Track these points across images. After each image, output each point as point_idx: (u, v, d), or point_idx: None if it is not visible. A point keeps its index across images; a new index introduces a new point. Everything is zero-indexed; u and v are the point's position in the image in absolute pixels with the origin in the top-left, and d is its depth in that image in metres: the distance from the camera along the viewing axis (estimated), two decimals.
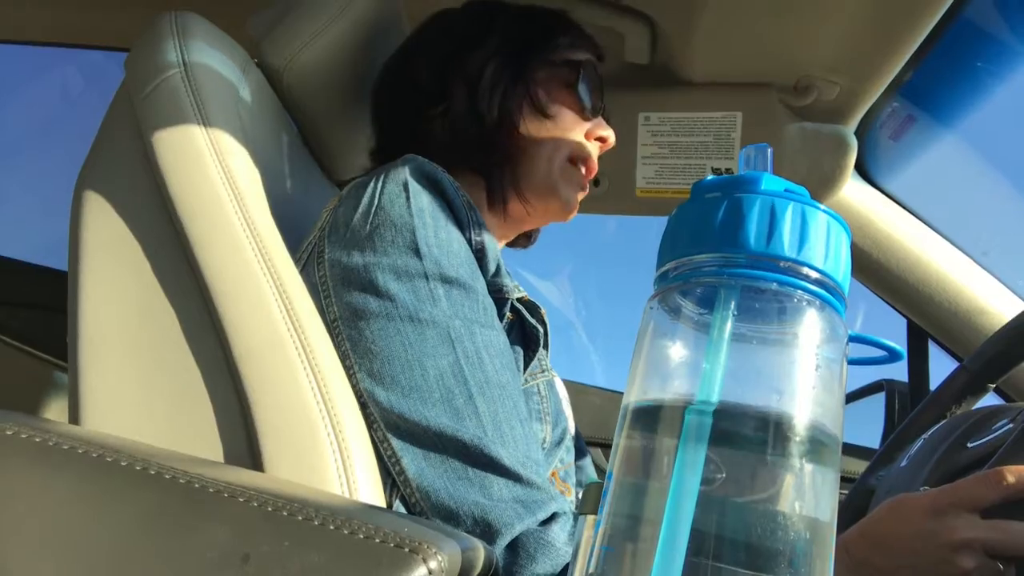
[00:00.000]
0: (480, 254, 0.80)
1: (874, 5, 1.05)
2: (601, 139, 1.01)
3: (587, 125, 1.00)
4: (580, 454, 1.05)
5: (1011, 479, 0.64)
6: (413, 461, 0.70)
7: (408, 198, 0.76)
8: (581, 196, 1.01)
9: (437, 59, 0.97)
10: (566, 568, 0.68)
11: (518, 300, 0.86)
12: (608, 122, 1.03)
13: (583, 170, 1.00)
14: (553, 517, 0.71)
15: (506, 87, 0.95)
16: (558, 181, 0.97)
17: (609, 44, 1.23)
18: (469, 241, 0.79)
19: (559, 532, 0.70)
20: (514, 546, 0.68)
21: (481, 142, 0.94)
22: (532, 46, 0.98)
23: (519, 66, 0.96)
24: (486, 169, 0.96)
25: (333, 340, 0.74)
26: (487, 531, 0.68)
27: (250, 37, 0.95)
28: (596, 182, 1.41)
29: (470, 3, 1.03)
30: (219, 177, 0.72)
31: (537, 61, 0.97)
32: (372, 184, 0.79)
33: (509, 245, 1.09)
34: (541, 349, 0.88)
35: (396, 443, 0.71)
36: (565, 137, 0.97)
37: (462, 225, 0.79)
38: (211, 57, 0.80)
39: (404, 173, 0.78)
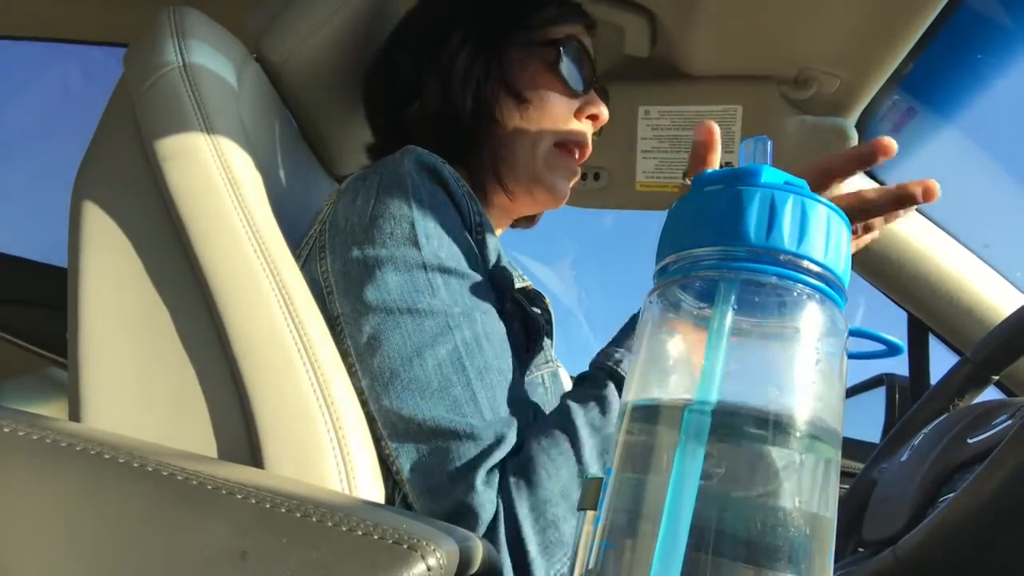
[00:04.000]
0: (481, 244, 0.80)
1: None
2: (593, 117, 0.97)
3: (576, 103, 0.96)
4: None
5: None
6: (409, 458, 0.70)
7: (407, 190, 0.76)
8: (572, 182, 0.98)
9: (411, 52, 0.95)
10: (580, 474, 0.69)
11: (520, 290, 0.85)
12: (604, 100, 0.99)
13: (576, 154, 0.97)
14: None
15: (479, 76, 0.92)
16: (542, 170, 0.94)
17: (608, 37, 1.23)
18: (470, 231, 0.79)
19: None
20: (525, 472, 0.69)
21: (459, 135, 0.92)
22: (504, 28, 0.94)
23: (492, 51, 0.93)
24: (466, 161, 0.93)
25: (335, 336, 0.74)
26: (483, 526, 0.67)
27: (249, 32, 0.95)
28: (596, 176, 1.40)
29: None
30: (218, 173, 0.72)
31: (511, 44, 0.94)
32: (372, 176, 0.79)
33: (511, 226, 1.08)
34: (545, 339, 0.87)
35: (393, 441, 0.71)
36: (550, 121, 0.94)
37: (463, 215, 0.79)
38: (210, 52, 0.80)
39: (404, 165, 0.78)
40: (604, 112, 0.98)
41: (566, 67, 0.94)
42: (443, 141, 0.90)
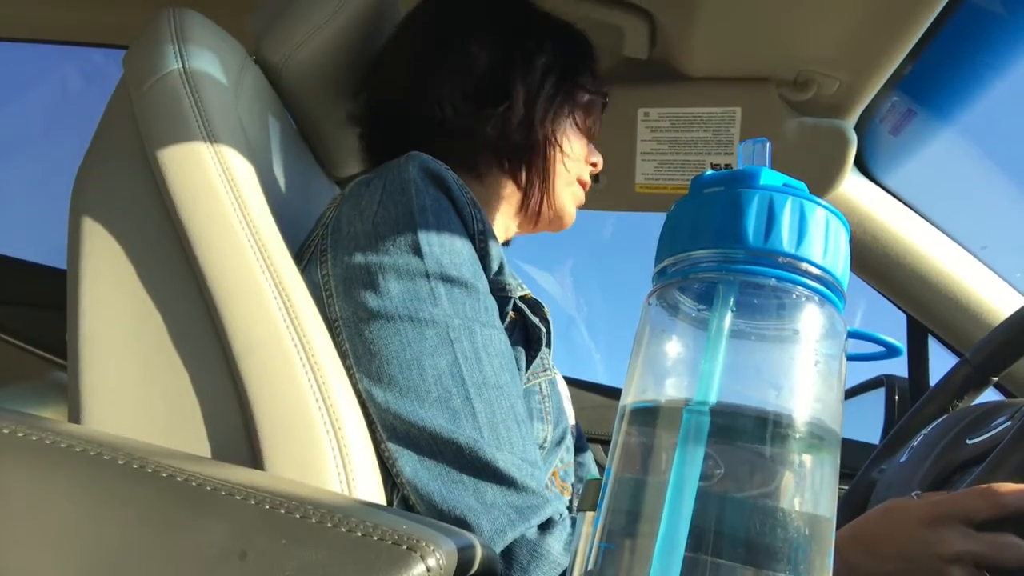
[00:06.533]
0: (483, 252, 0.80)
1: None
2: (594, 164, 1.05)
3: (589, 149, 1.04)
4: (581, 450, 1.05)
5: (1009, 496, 0.65)
6: (408, 463, 0.70)
7: (411, 196, 0.76)
8: None
9: (497, 52, 0.96)
10: None
11: (521, 298, 0.85)
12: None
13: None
14: (548, 524, 0.70)
15: (559, 105, 0.97)
16: (569, 200, 1.02)
17: (608, 39, 1.23)
18: (472, 239, 0.79)
19: (554, 542, 0.69)
20: (507, 557, 0.68)
21: (528, 152, 0.95)
22: (578, 67, 1.00)
23: (570, 86, 0.98)
24: (523, 178, 0.97)
25: (334, 339, 0.74)
26: (478, 537, 0.68)
27: (249, 34, 0.95)
28: (595, 178, 1.41)
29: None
30: (218, 175, 0.72)
31: (581, 84, 1.00)
32: (376, 182, 0.79)
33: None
34: (544, 348, 0.87)
35: (392, 444, 0.71)
36: (581, 160, 1.02)
37: (466, 223, 0.79)
38: (209, 54, 0.80)
39: (408, 171, 0.78)
40: (601, 162, 1.06)
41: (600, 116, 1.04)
42: (509, 152, 0.95)
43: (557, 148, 0.97)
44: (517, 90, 0.94)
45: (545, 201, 0.98)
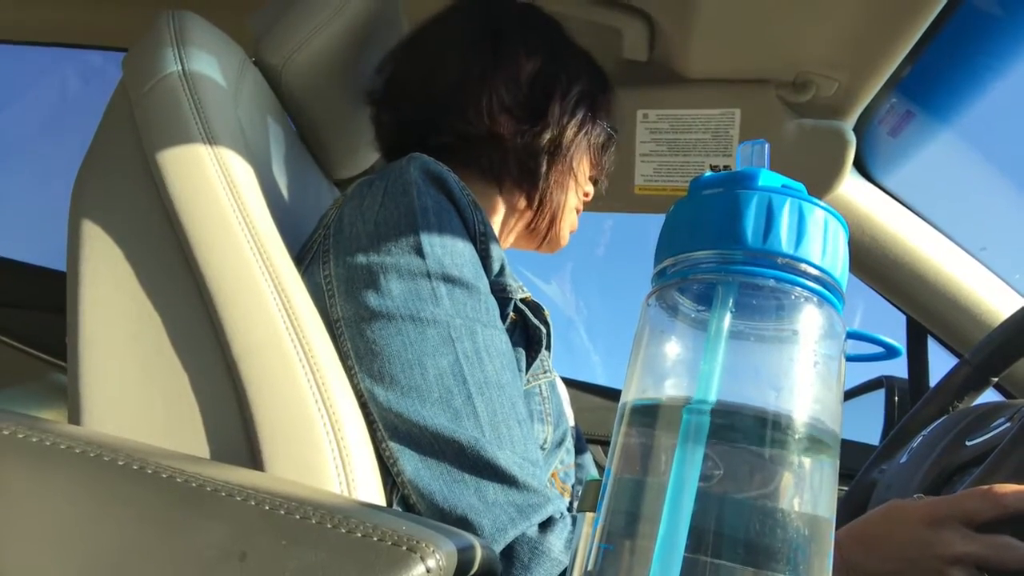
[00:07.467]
0: (484, 253, 0.80)
1: (872, 1, 1.05)
2: (586, 194, 1.06)
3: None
4: (580, 452, 1.05)
5: (1009, 497, 0.65)
6: (410, 462, 0.70)
7: (413, 197, 0.77)
8: None
9: (544, 68, 0.97)
10: None
11: (521, 300, 0.86)
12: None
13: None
14: (549, 522, 0.70)
15: (585, 134, 0.98)
16: (568, 225, 1.03)
17: (607, 41, 1.23)
18: (473, 240, 0.79)
19: (555, 540, 0.69)
20: (508, 554, 0.68)
21: (548, 173, 0.96)
22: (603, 101, 1.02)
23: (594, 117, 1.00)
24: (537, 197, 0.97)
25: (336, 339, 0.74)
26: (480, 536, 0.68)
27: (249, 36, 0.95)
28: (595, 180, 1.41)
29: (553, 19, 1.03)
30: (217, 177, 0.72)
31: (602, 118, 1.01)
32: (377, 183, 0.79)
33: None
34: (543, 350, 0.88)
35: (394, 443, 0.71)
36: (584, 187, 1.04)
37: (467, 224, 0.79)
38: (209, 56, 0.80)
39: (410, 172, 0.78)
40: (592, 192, 1.08)
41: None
42: (529, 172, 0.95)
43: (573, 176, 0.99)
44: (553, 111, 0.95)
45: (552, 223, 0.99)
